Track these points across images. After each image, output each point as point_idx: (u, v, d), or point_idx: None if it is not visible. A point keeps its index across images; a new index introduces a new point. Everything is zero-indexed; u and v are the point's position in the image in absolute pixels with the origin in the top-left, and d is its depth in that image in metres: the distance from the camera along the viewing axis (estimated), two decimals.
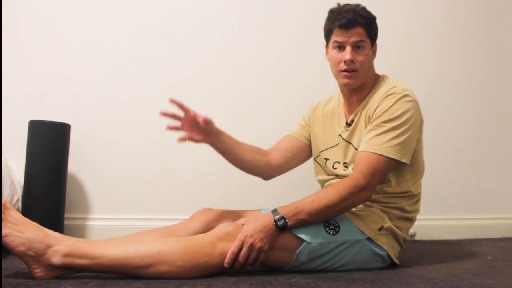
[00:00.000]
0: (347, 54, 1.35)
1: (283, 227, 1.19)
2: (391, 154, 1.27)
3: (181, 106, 1.32)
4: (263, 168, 1.52)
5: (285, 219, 1.19)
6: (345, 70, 1.37)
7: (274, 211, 1.22)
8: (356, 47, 1.36)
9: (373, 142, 1.28)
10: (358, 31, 1.35)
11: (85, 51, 2.04)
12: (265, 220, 1.19)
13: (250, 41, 2.17)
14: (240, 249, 1.16)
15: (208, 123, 1.34)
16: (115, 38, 2.07)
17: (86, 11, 2.05)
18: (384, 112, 1.31)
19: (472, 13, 2.45)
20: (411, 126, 1.30)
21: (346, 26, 1.34)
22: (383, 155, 1.26)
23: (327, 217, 1.25)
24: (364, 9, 1.39)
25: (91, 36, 2.05)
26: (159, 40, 2.10)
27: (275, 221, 1.19)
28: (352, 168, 1.32)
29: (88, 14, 2.05)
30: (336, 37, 1.37)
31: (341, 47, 1.37)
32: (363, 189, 1.24)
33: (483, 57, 2.46)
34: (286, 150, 1.57)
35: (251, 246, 1.16)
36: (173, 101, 1.30)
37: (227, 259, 1.14)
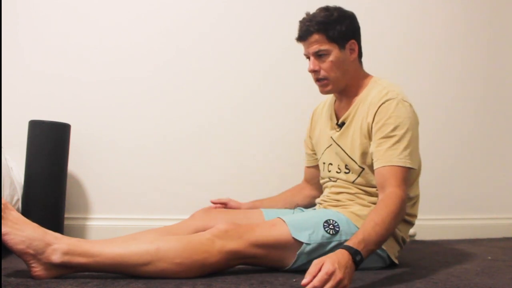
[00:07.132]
0: (310, 64, 1.36)
1: (359, 262, 1.07)
2: (409, 163, 1.26)
3: (224, 203, 1.56)
4: (307, 204, 1.58)
5: (360, 254, 1.07)
6: (316, 80, 1.38)
7: (348, 248, 1.07)
8: (318, 55, 1.35)
9: (391, 155, 1.26)
10: (315, 39, 1.33)
11: (85, 51, 2.04)
12: (344, 256, 1.04)
13: (252, 41, 2.17)
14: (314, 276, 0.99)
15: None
16: (116, 38, 2.07)
17: (86, 11, 2.05)
18: (387, 119, 1.29)
19: (472, 13, 2.45)
20: (414, 131, 1.31)
21: (302, 38, 1.36)
22: (403, 166, 1.25)
23: (386, 239, 1.21)
24: (325, 14, 1.33)
25: (91, 36, 2.05)
26: (159, 40, 2.10)
27: (353, 257, 1.05)
28: (378, 184, 1.28)
29: (88, 14, 2.05)
30: (304, 49, 1.39)
31: (308, 58, 1.38)
32: (405, 201, 1.23)
33: (483, 57, 2.46)
34: (313, 178, 1.62)
35: (340, 281, 0.99)
36: (213, 202, 1.55)
37: (305, 281, 0.98)
